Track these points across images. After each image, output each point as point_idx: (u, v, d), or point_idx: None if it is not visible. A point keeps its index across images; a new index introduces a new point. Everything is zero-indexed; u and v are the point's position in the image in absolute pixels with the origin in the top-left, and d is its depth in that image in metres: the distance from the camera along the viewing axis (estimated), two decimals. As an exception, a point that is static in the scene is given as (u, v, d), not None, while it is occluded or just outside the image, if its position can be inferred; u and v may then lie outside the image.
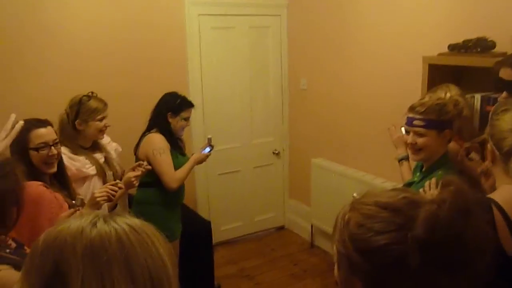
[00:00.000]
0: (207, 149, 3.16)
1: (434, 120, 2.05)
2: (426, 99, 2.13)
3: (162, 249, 0.81)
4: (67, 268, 0.73)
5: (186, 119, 3.06)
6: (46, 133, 2.11)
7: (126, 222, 0.80)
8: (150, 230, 0.82)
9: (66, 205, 2.05)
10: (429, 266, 0.82)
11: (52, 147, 2.11)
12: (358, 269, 0.88)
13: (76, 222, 0.79)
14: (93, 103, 2.63)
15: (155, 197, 3.02)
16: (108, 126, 2.70)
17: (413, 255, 0.82)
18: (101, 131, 2.66)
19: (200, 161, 3.14)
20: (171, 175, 2.95)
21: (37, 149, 2.06)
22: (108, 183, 2.33)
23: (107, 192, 2.19)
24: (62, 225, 0.79)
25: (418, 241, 0.82)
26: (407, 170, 2.47)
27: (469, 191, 0.87)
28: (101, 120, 2.64)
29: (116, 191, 2.24)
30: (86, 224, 0.78)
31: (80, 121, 2.60)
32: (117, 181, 2.40)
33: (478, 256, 0.84)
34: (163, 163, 2.93)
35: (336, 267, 0.95)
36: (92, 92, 2.69)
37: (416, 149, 2.12)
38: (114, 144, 2.95)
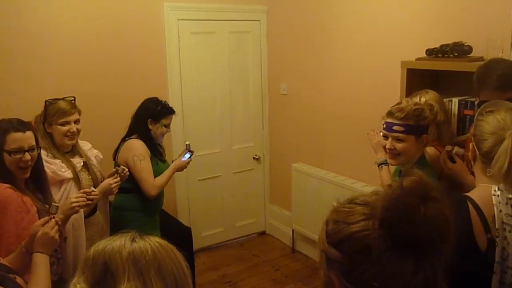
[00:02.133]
0: (187, 156, 3.14)
1: (413, 126, 2.07)
2: (404, 104, 2.14)
3: (183, 263, 1.02)
4: (115, 267, 0.93)
5: (167, 125, 3.03)
6: (22, 138, 2.03)
7: (157, 240, 1.00)
8: (174, 248, 1.02)
9: (34, 209, 1.99)
10: (392, 251, 0.85)
11: (27, 153, 2.04)
12: (333, 262, 0.93)
13: (118, 239, 0.98)
14: (58, 106, 2.56)
15: (134, 203, 2.98)
16: (73, 132, 2.57)
17: (377, 240, 0.86)
18: (66, 136, 2.56)
19: (181, 168, 3.11)
20: (150, 182, 2.92)
21: (10, 153, 2.00)
22: (83, 190, 2.30)
23: (84, 198, 2.18)
24: (105, 241, 0.98)
25: (379, 224, 0.87)
26: (387, 174, 2.49)
27: (429, 181, 0.91)
28: (63, 124, 2.54)
29: (91, 200, 2.23)
30: (127, 240, 0.97)
31: (47, 123, 2.56)
32: (92, 188, 2.38)
33: (439, 240, 0.86)
34: (143, 170, 2.90)
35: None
36: (74, 97, 2.65)
37: (395, 154, 2.14)
38: (95, 151, 2.89)
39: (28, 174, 2.08)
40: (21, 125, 2.07)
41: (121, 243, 0.96)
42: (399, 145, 2.10)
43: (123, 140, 3.00)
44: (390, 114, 2.13)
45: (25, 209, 1.95)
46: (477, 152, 1.57)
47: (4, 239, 1.88)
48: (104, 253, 0.95)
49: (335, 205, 1.00)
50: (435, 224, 0.85)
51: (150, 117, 2.97)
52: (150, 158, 2.97)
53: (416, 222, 0.84)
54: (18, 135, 2.03)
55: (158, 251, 0.97)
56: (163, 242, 1.01)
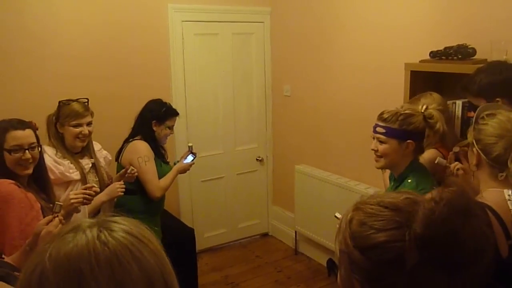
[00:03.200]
0: (190, 158, 3.13)
1: (395, 129, 2.05)
2: (399, 108, 2.15)
3: (161, 249, 0.85)
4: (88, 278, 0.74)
5: (171, 127, 3.04)
6: (22, 136, 2.04)
7: (126, 230, 0.81)
8: (146, 232, 0.84)
9: (38, 205, 2.00)
10: (426, 265, 0.82)
11: (27, 151, 2.04)
12: (357, 266, 0.88)
13: (80, 241, 0.77)
14: (72, 107, 2.58)
15: (136, 205, 2.96)
16: (85, 134, 2.60)
17: (411, 252, 0.82)
18: (78, 138, 2.58)
19: (183, 171, 3.11)
20: (156, 184, 2.92)
21: (10, 151, 2.01)
22: (84, 186, 2.29)
23: (83, 194, 2.16)
24: (66, 248, 0.76)
25: (415, 238, 0.82)
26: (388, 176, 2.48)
27: (469, 194, 0.88)
28: (75, 126, 2.56)
29: (92, 195, 2.21)
30: (94, 243, 0.77)
31: (59, 124, 2.57)
32: (92, 184, 2.35)
33: (476, 258, 0.83)
34: (148, 172, 2.90)
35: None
36: (87, 99, 2.67)
37: (377, 155, 2.14)
38: (104, 152, 2.90)
39: (30, 170, 2.08)
40: (20, 124, 2.08)
41: (89, 253, 0.75)
42: (380, 147, 2.10)
43: (126, 141, 3.00)
44: (378, 115, 2.14)
45: (29, 205, 1.96)
46: (483, 157, 1.53)
47: (8, 234, 1.89)
48: (70, 277, 0.74)
49: (337, 216, 0.98)
50: (475, 243, 0.83)
51: (155, 119, 2.97)
52: (154, 160, 2.97)
53: (458, 243, 0.82)
54: (18, 133, 2.03)
55: (135, 250, 0.79)
56: (132, 229, 0.82)
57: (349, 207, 0.95)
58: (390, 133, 2.06)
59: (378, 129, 2.11)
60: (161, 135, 3.01)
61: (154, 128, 2.98)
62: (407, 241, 0.82)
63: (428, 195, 0.89)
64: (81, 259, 0.74)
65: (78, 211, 2.21)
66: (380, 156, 2.12)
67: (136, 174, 2.74)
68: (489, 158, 1.51)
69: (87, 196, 2.17)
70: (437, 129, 2.07)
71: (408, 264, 0.82)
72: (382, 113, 2.12)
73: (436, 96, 2.48)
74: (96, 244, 0.76)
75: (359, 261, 0.87)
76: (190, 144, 3.21)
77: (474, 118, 1.63)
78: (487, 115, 1.56)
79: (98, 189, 2.33)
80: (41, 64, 3.49)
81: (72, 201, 2.13)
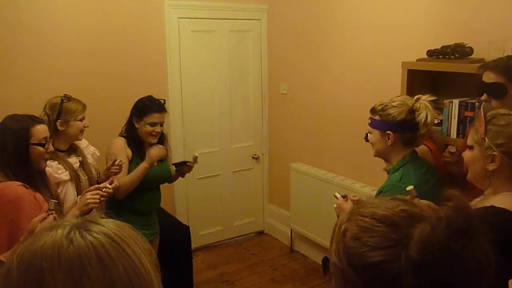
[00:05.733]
0: (180, 165, 3.06)
1: (376, 120, 2.15)
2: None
3: (143, 254, 0.78)
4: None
5: (152, 124, 2.85)
6: (44, 129, 2.15)
7: (103, 231, 0.76)
8: (128, 234, 0.79)
9: (46, 205, 2.01)
10: (424, 286, 0.78)
11: (50, 143, 2.17)
12: (351, 284, 0.85)
13: (50, 239, 0.74)
14: (73, 104, 2.62)
15: (121, 203, 2.82)
16: (87, 126, 2.67)
17: (407, 274, 0.78)
18: (81, 131, 2.65)
19: (155, 158, 2.87)
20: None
21: (41, 145, 2.09)
22: (96, 186, 2.29)
23: (99, 195, 2.21)
24: (35, 246, 0.73)
25: (411, 262, 0.78)
26: None
27: (469, 207, 0.82)
28: (81, 120, 2.63)
29: (104, 196, 2.25)
30: (62, 242, 0.73)
31: (62, 121, 2.56)
32: (105, 185, 2.34)
33: (476, 280, 0.80)
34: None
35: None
36: (66, 95, 2.65)
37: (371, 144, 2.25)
38: (92, 148, 2.88)
39: (45, 165, 2.19)
40: (36, 118, 2.18)
41: (53, 253, 0.72)
42: (369, 137, 2.22)
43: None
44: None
45: (38, 206, 1.97)
46: (506, 160, 1.47)
47: (19, 236, 1.88)
48: (31, 276, 0.71)
49: (337, 195, 0.93)
50: (476, 265, 0.79)
51: (134, 115, 2.88)
52: (131, 159, 2.86)
53: (457, 268, 0.78)
54: (41, 126, 2.14)
55: (105, 254, 0.73)
56: (113, 230, 0.78)
57: (343, 215, 0.91)
58: (372, 123, 2.18)
59: (368, 120, 2.21)
60: (142, 132, 2.87)
61: (136, 125, 2.88)
62: (403, 263, 0.78)
63: (426, 209, 0.85)
64: (45, 256, 0.71)
65: (90, 210, 2.23)
66: (372, 147, 2.23)
67: (122, 164, 2.66)
68: None
69: (101, 197, 2.23)
70: (418, 120, 2.05)
71: (404, 286, 0.78)
72: (374, 105, 2.20)
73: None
74: (63, 243, 0.72)
75: (353, 279, 0.84)
76: (196, 155, 3.07)
77: (485, 120, 1.55)
78: (501, 114, 1.50)
79: (110, 188, 2.31)
80: (38, 59, 3.47)
81: (89, 201, 2.17)
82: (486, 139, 1.51)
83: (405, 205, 0.85)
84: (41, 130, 2.12)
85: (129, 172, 2.84)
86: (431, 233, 0.78)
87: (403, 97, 2.22)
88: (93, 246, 0.73)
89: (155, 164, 2.93)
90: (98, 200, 2.19)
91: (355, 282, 0.83)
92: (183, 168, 3.11)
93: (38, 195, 2.02)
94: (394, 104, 2.11)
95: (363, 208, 0.88)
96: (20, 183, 1.98)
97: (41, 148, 2.09)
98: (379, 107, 2.13)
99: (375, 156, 2.27)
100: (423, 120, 2.04)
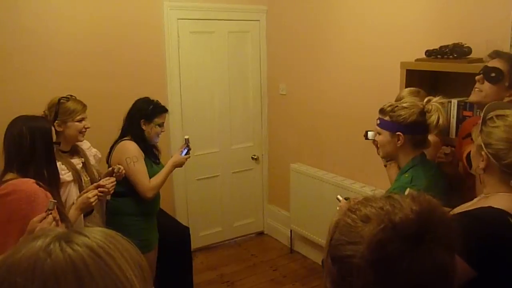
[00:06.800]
0: (185, 151, 3.06)
1: (386, 121, 2.12)
2: (402, 102, 2.18)
3: (130, 268, 0.71)
4: None
5: (161, 125, 2.95)
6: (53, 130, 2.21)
7: (86, 243, 0.70)
8: (114, 246, 0.72)
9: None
10: (382, 284, 0.82)
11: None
12: (329, 273, 0.91)
13: (28, 251, 0.68)
14: (71, 104, 2.59)
15: (130, 207, 2.92)
16: (88, 127, 2.64)
17: (365, 271, 0.82)
18: (81, 133, 2.62)
19: (179, 164, 3.03)
20: (146, 185, 2.85)
21: (58, 143, 2.22)
22: (96, 184, 2.39)
23: (98, 195, 2.32)
24: (12, 258, 0.68)
25: (364, 259, 0.83)
26: (394, 172, 2.46)
27: (433, 213, 0.84)
28: (80, 121, 2.60)
29: (104, 192, 2.37)
30: (39, 254, 0.67)
31: (60, 122, 2.55)
32: (103, 180, 2.47)
33: (431, 285, 0.83)
34: (137, 172, 2.83)
35: None
36: (71, 95, 2.66)
37: (376, 146, 2.23)
38: (93, 150, 2.88)
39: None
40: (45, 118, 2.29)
41: (28, 267, 0.66)
42: (377, 138, 2.19)
43: (116, 142, 2.94)
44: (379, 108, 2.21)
45: None
46: (494, 162, 1.47)
47: None
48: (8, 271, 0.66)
49: (339, 198, 0.97)
50: (428, 270, 0.81)
51: (143, 117, 2.90)
52: (144, 160, 2.90)
53: (401, 271, 0.81)
54: (52, 128, 2.20)
55: (83, 268, 0.67)
56: (98, 242, 0.71)
57: (340, 208, 0.96)
58: (382, 124, 2.15)
59: (377, 120, 2.18)
60: (152, 134, 2.93)
61: (144, 127, 2.91)
62: (360, 260, 0.83)
63: (405, 205, 0.87)
64: (19, 271, 0.65)
65: (91, 210, 2.33)
66: (379, 148, 2.21)
67: (124, 173, 2.68)
68: (501, 164, 1.45)
69: (101, 195, 2.33)
70: (430, 122, 2.05)
71: (366, 279, 0.82)
72: (383, 106, 2.18)
73: (411, 88, 2.55)
74: (40, 255, 0.67)
75: (330, 269, 0.90)
76: (186, 137, 3.11)
77: (481, 117, 1.55)
78: (496, 116, 1.49)
79: (106, 190, 2.43)
80: (38, 61, 3.47)
81: (91, 199, 2.28)
82: (479, 138, 1.52)
83: (387, 204, 0.88)
84: (53, 131, 2.19)
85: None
86: (378, 231, 0.82)
87: (413, 98, 2.24)
88: (71, 260, 0.67)
89: (158, 164, 3.01)
90: (97, 198, 2.29)
91: (331, 272, 0.89)
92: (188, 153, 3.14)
93: (49, 194, 2.02)
94: (404, 105, 2.10)
95: (357, 205, 0.91)
96: (34, 181, 1.97)
97: (57, 146, 2.19)
98: (389, 108, 2.11)
99: (383, 157, 2.26)
100: (434, 122, 2.03)
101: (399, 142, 2.09)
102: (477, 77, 2.12)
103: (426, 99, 2.10)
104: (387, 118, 2.11)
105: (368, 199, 0.91)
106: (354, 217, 0.88)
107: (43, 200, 1.94)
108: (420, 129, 2.09)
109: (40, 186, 1.98)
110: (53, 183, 2.12)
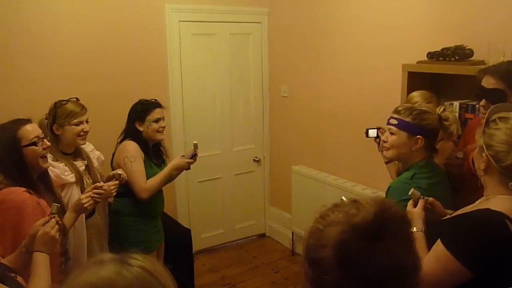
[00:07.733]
0: (190, 155, 3.01)
1: (407, 122, 2.06)
2: (416, 105, 2.18)
3: (171, 283, 0.92)
4: None
5: (157, 121, 2.88)
6: (34, 128, 2.09)
7: (141, 265, 0.89)
8: (158, 268, 0.92)
9: (49, 210, 2.01)
10: (350, 281, 0.91)
11: (44, 140, 2.13)
12: (307, 275, 1.00)
13: (105, 274, 0.86)
14: (69, 107, 2.57)
15: (129, 207, 2.90)
16: (87, 131, 2.62)
17: (334, 269, 0.92)
18: (80, 136, 2.59)
19: (179, 168, 2.96)
20: (141, 185, 2.82)
21: (33, 143, 2.04)
22: (93, 186, 2.34)
23: (92, 197, 2.25)
24: (90, 279, 0.85)
25: (329, 259, 0.92)
26: (395, 169, 2.45)
27: (391, 214, 0.93)
28: (77, 124, 2.57)
29: (101, 194, 2.29)
30: (111, 276, 0.85)
31: (57, 125, 2.55)
32: (101, 183, 2.42)
33: (393, 281, 0.91)
34: (133, 172, 2.80)
35: None
36: (76, 98, 2.65)
37: (386, 146, 2.16)
38: (97, 153, 2.88)
39: (48, 164, 2.16)
40: (21, 120, 2.11)
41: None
42: (390, 138, 2.11)
43: (118, 144, 2.95)
44: (395, 108, 2.15)
45: (41, 212, 1.96)
46: (494, 164, 1.47)
47: (22, 241, 1.88)
48: None
49: (344, 199, 1.03)
50: (382, 268, 0.90)
51: (136, 119, 2.89)
52: (144, 161, 2.88)
53: (362, 267, 0.89)
54: (28, 126, 2.08)
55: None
56: (148, 265, 0.91)
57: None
58: (401, 125, 2.07)
59: (391, 120, 2.12)
60: (150, 132, 2.89)
61: (140, 128, 2.89)
62: (328, 259, 0.93)
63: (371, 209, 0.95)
64: None
65: (87, 211, 2.29)
66: (389, 148, 2.14)
67: (125, 177, 2.65)
68: (500, 166, 1.46)
69: (96, 196, 2.27)
70: (451, 131, 2.07)
71: (332, 279, 0.92)
72: (397, 107, 2.14)
73: (424, 92, 2.52)
74: (112, 277, 0.85)
75: (307, 272, 0.99)
76: (195, 142, 3.03)
77: (485, 119, 1.55)
78: (499, 118, 1.49)
79: (102, 191, 2.35)
80: (39, 63, 3.48)
81: (85, 205, 2.22)
82: (481, 139, 1.52)
83: (353, 208, 0.98)
84: (30, 130, 2.06)
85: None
86: (339, 231, 0.93)
87: (428, 104, 2.26)
88: (140, 280, 0.86)
89: (159, 166, 2.99)
90: (92, 201, 2.25)
91: (308, 274, 0.99)
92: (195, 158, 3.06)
93: (42, 201, 2.01)
94: (424, 109, 2.09)
95: (325, 211, 1.03)
96: (24, 189, 1.97)
97: (34, 147, 2.04)
98: (415, 111, 2.06)
99: (391, 158, 2.23)
100: (455, 131, 2.07)
101: (416, 145, 2.06)
102: (481, 104, 2.07)
103: (440, 108, 2.11)
104: (409, 119, 2.06)
105: (337, 205, 1.02)
106: (324, 222, 0.99)
107: (33, 209, 1.93)
108: (436, 135, 2.10)
109: (30, 193, 1.97)
110: (43, 189, 2.11)
